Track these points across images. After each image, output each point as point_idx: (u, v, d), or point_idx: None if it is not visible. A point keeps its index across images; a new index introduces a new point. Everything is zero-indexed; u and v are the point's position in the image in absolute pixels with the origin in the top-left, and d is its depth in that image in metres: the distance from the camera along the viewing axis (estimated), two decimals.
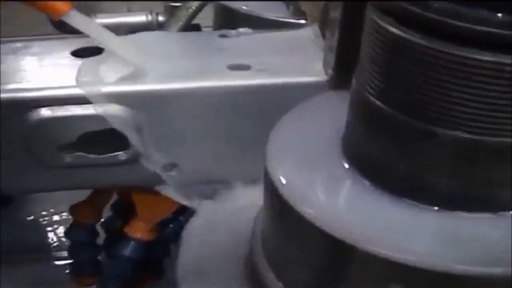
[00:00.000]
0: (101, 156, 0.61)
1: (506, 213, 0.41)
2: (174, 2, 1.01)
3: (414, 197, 0.42)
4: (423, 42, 0.36)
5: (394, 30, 0.38)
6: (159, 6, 1.06)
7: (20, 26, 1.42)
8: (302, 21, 0.70)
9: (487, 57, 0.35)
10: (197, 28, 0.96)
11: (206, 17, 0.89)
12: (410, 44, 0.37)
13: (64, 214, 1.10)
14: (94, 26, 0.62)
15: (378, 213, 0.42)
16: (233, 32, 0.68)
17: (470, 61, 0.35)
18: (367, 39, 0.41)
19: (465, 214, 0.41)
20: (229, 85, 0.60)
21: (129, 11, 1.34)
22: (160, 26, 1.04)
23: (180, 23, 0.87)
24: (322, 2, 0.58)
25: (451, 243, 0.40)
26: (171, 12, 1.01)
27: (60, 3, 0.59)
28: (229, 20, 0.77)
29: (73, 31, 0.93)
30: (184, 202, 0.64)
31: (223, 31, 0.69)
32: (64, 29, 1.02)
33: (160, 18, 1.05)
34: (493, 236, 0.40)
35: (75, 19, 0.60)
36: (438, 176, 0.40)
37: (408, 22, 0.37)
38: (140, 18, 1.05)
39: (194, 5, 0.87)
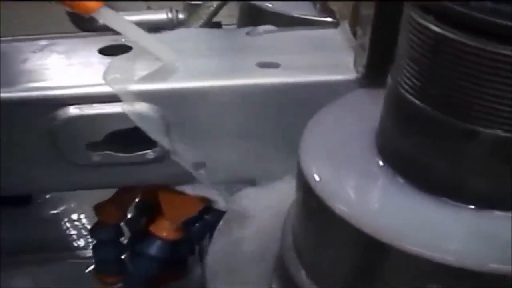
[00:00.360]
0: (129, 154, 0.61)
1: None
2: (193, 0, 1.01)
3: (450, 195, 0.41)
4: (464, 40, 0.36)
5: (435, 28, 0.37)
6: (178, 4, 1.06)
7: (18, 26, 1.42)
8: (329, 19, 0.70)
9: None
10: (218, 26, 0.96)
11: (227, 15, 0.89)
12: (451, 43, 0.36)
13: (85, 213, 1.10)
14: (126, 23, 0.62)
15: (413, 211, 0.41)
16: (259, 29, 0.68)
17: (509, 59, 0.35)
18: (405, 37, 0.41)
19: (502, 213, 0.40)
20: (260, 83, 0.59)
21: (149, 9, 1.35)
22: (180, 24, 1.04)
23: (201, 21, 0.87)
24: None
25: (488, 242, 0.39)
26: (190, 10, 1.02)
27: (91, 1, 0.59)
28: (254, 18, 0.77)
29: (92, 29, 0.93)
30: (216, 200, 0.64)
31: (249, 28, 0.69)
32: (83, 26, 1.03)
33: (180, 16, 1.05)
34: None
35: (107, 16, 0.60)
36: (474, 174, 0.40)
37: (449, 20, 0.36)
38: (160, 15, 1.05)
39: (215, 3, 0.87)
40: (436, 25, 0.37)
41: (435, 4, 0.37)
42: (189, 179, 0.64)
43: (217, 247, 0.58)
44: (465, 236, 0.40)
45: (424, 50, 0.39)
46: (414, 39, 0.39)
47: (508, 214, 0.40)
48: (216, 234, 0.60)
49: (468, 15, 0.35)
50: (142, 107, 0.58)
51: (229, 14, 0.88)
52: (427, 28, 0.38)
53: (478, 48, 0.35)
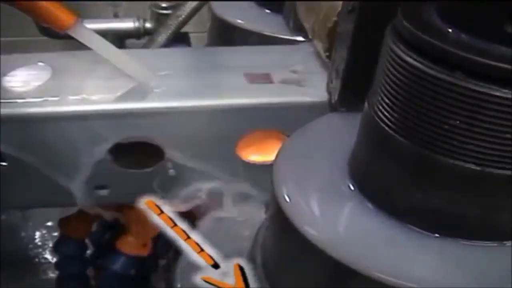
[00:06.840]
0: None
1: (507, 242, 0.41)
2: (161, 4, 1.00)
3: (416, 223, 0.42)
4: (438, 75, 0.36)
5: (412, 61, 0.38)
6: (145, 12, 1.05)
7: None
8: (301, 38, 0.69)
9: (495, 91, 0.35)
10: (185, 36, 0.95)
11: (196, 22, 0.88)
12: (425, 77, 0.37)
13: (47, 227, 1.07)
14: (100, 41, 0.60)
15: (380, 237, 0.42)
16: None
17: (477, 94, 0.35)
18: (383, 67, 0.41)
19: (466, 242, 0.41)
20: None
21: (116, 16, 1.33)
22: (146, 33, 1.04)
23: (169, 32, 0.87)
24: (326, 21, 0.57)
25: (452, 271, 0.40)
26: (158, 19, 1.01)
27: (66, 16, 0.57)
28: (224, 34, 0.76)
29: (57, 37, 0.91)
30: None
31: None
32: (49, 34, 1.01)
33: (147, 25, 1.04)
34: (494, 265, 0.40)
35: (81, 34, 0.59)
36: (440, 203, 0.40)
37: (427, 54, 0.37)
38: (127, 24, 1.04)
39: (184, 13, 0.86)
40: (414, 59, 0.37)
41: (415, 38, 0.37)
42: None
43: (186, 265, 0.57)
44: (431, 264, 0.40)
45: (401, 82, 0.39)
46: (391, 70, 0.39)
47: (472, 243, 0.41)
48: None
49: (443, 51, 0.35)
50: None
51: (198, 21, 0.88)
52: (405, 61, 0.38)
53: (454, 84, 0.36)
